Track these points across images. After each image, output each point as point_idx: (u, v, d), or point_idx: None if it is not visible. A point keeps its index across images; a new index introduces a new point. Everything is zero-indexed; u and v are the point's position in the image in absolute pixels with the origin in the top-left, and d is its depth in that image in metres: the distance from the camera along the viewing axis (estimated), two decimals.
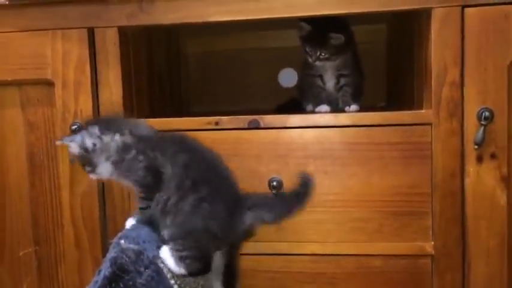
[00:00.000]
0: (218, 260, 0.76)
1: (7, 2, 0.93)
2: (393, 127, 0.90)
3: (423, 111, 0.90)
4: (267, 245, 0.93)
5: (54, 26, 0.94)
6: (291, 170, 0.92)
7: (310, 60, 1.04)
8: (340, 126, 0.91)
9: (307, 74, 1.09)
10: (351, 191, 0.91)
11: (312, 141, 0.92)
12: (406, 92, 1.10)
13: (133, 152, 0.74)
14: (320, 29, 1.00)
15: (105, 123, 0.77)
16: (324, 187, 0.91)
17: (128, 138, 0.75)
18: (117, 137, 0.75)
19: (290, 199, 0.77)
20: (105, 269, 0.65)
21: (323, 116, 0.94)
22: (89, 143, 0.74)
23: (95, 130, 0.75)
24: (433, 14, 0.87)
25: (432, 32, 0.87)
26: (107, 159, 0.74)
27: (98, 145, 0.74)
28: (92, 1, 0.92)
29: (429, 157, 0.89)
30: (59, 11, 0.94)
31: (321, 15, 0.90)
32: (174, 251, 0.71)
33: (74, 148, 0.75)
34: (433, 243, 0.89)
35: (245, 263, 0.92)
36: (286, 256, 0.93)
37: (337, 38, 1.00)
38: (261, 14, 0.91)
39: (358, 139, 0.91)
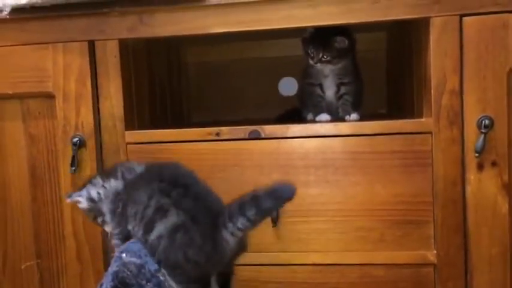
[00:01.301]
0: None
1: (8, 16, 0.94)
2: (394, 136, 0.90)
3: (423, 119, 0.91)
4: (268, 255, 0.93)
5: (55, 39, 0.94)
6: (292, 180, 0.92)
7: (311, 62, 1.04)
8: (341, 135, 0.92)
9: (307, 83, 1.09)
10: (353, 200, 0.91)
11: (313, 151, 0.92)
12: (406, 100, 1.10)
13: (120, 204, 0.75)
14: (324, 31, 1.01)
15: (105, 172, 0.79)
16: (326, 196, 0.91)
17: (120, 184, 0.76)
18: (113, 182, 0.77)
19: (263, 201, 0.69)
20: (107, 282, 0.65)
21: (324, 125, 0.94)
22: (94, 193, 0.76)
23: (98, 180, 0.77)
24: (431, 23, 0.87)
25: (431, 40, 0.87)
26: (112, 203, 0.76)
27: (103, 193, 0.76)
28: (93, 14, 0.93)
29: (430, 165, 0.89)
30: (59, 25, 0.94)
31: (320, 25, 0.91)
32: (163, 276, 0.69)
33: (83, 202, 0.77)
34: (435, 251, 0.89)
35: (247, 274, 0.93)
36: (288, 266, 0.93)
37: (341, 41, 1.01)
38: (260, 26, 0.91)
39: (359, 148, 0.91)
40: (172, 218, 0.69)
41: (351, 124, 0.93)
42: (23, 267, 0.99)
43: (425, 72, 0.91)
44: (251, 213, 0.68)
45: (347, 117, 1.04)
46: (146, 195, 0.71)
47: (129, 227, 0.73)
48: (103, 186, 0.77)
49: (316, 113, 1.07)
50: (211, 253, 0.68)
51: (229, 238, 0.69)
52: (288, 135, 0.93)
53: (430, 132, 0.88)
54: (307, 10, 0.90)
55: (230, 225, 0.68)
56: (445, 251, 0.89)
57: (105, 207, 0.76)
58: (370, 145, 0.90)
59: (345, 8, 0.89)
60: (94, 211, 0.77)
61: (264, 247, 0.93)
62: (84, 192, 0.77)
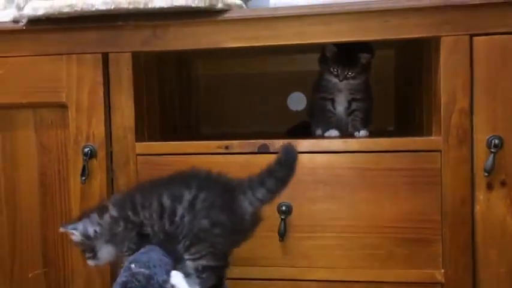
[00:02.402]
0: None
1: (24, 27, 0.96)
2: (402, 153, 0.90)
3: (433, 137, 0.91)
4: (275, 269, 0.93)
5: (69, 51, 0.96)
6: (300, 195, 0.92)
7: (335, 80, 1.05)
8: (350, 151, 0.92)
9: (320, 97, 1.10)
10: (361, 216, 0.91)
11: (322, 166, 0.92)
12: (414, 117, 1.10)
13: (122, 223, 0.77)
14: (348, 48, 1.03)
15: (99, 208, 0.81)
16: (334, 212, 0.91)
17: (113, 211, 0.78)
18: (107, 215, 0.78)
19: (276, 170, 0.76)
20: None
21: (332, 141, 0.94)
22: (90, 230, 0.78)
23: (95, 216, 0.79)
24: (442, 42, 0.88)
25: (441, 59, 0.88)
26: (107, 241, 0.78)
27: (99, 231, 0.78)
28: (107, 27, 0.95)
29: (439, 184, 0.89)
30: (74, 36, 0.96)
31: (330, 42, 0.92)
32: (192, 261, 0.73)
33: (76, 236, 0.78)
34: (443, 270, 0.88)
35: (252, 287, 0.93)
36: (295, 282, 0.93)
37: (366, 58, 1.04)
38: (272, 41, 0.92)
39: (368, 165, 0.91)
40: (187, 197, 0.74)
41: (360, 140, 0.94)
42: (30, 275, 1.00)
43: (435, 90, 0.91)
44: (270, 183, 0.75)
45: (356, 133, 1.05)
46: (155, 197, 0.76)
47: (148, 230, 0.76)
48: (99, 223, 0.78)
49: (326, 129, 1.07)
50: (232, 215, 0.74)
51: (247, 206, 0.75)
52: (297, 150, 0.93)
53: (439, 151, 0.88)
54: (319, 27, 0.91)
55: (249, 193, 0.75)
56: (453, 270, 0.88)
57: (102, 244, 0.78)
58: (379, 162, 0.91)
59: (356, 26, 0.90)
60: (85, 246, 0.79)
61: (271, 261, 0.93)
62: (80, 226, 0.78)
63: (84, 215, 0.80)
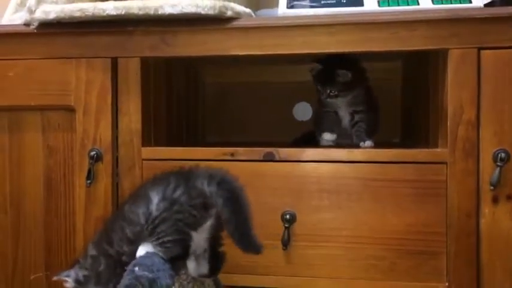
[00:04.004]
0: (201, 244, 0.78)
1: (35, 30, 0.97)
2: (408, 164, 0.90)
3: (439, 149, 0.91)
4: (277, 278, 0.92)
5: (79, 55, 0.97)
6: (304, 203, 0.92)
7: (321, 97, 1.06)
8: (355, 161, 0.92)
9: (324, 111, 1.11)
10: (365, 227, 0.90)
11: (327, 176, 0.92)
12: (420, 129, 1.10)
13: (102, 260, 0.80)
14: (329, 67, 1.03)
15: (84, 251, 0.84)
16: (338, 222, 0.91)
17: (92, 250, 0.82)
18: (88, 257, 0.82)
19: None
20: None
21: (338, 151, 0.94)
22: (80, 275, 0.81)
23: (82, 261, 0.82)
24: (449, 54, 0.88)
25: (449, 72, 0.88)
26: (96, 284, 0.81)
27: (87, 274, 0.81)
28: (117, 32, 0.96)
29: (444, 196, 0.88)
30: (84, 41, 0.97)
31: (338, 52, 0.92)
32: (156, 240, 0.74)
33: (69, 283, 0.82)
34: (447, 284, 0.88)
35: None
36: None
37: (343, 75, 1.02)
38: (279, 50, 0.93)
39: (373, 175, 0.91)
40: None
41: (365, 151, 0.94)
42: (31, 278, 1.00)
43: (441, 102, 0.92)
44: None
45: (361, 143, 1.05)
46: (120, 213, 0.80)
47: (125, 258, 0.77)
48: (85, 267, 0.81)
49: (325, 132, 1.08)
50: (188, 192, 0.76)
51: (207, 189, 0.77)
52: (303, 159, 0.93)
53: (445, 163, 0.88)
54: (326, 37, 0.91)
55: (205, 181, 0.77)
56: (457, 283, 0.87)
57: (91, 287, 0.81)
58: (384, 173, 0.90)
59: (364, 37, 0.90)
60: None
61: (273, 270, 0.92)
62: (72, 273, 0.82)
63: (76, 262, 0.84)
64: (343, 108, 1.08)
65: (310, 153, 0.94)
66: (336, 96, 1.04)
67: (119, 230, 0.78)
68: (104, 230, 0.83)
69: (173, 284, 0.68)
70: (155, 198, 0.76)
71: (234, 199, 0.76)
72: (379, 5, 0.94)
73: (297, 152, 0.94)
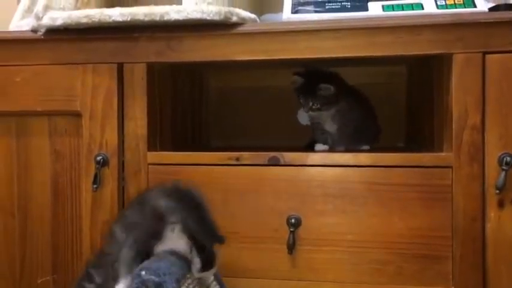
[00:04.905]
0: (183, 246, 0.80)
1: (42, 37, 0.98)
2: (413, 168, 0.90)
3: (444, 153, 0.91)
4: (282, 282, 0.93)
5: (85, 60, 0.98)
6: (309, 207, 0.92)
7: (304, 110, 1.06)
8: (360, 165, 0.92)
9: (311, 122, 1.11)
10: (370, 231, 0.90)
11: (332, 180, 0.93)
12: (425, 133, 1.10)
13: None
14: (311, 81, 1.04)
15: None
16: (343, 226, 0.91)
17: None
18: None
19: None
20: None
21: (342, 155, 0.95)
22: None
23: None
24: (454, 59, 0.88)
25: (453, 76, 0.88)
26: None
27: None
28: (123, 38, 0.96)
29: (449, 200, 0.88)
30: (91, 46, 0.98)
31: (343, 57, 0.93)
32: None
33: None
34: None
35: None
36: None
37: (325, 89, 1.02)
38: (283, 55, 0.93)
39: (378, 179, 0.91)
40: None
41: (370, 155, 0.94)
42: (39, 281, 1.00)
43: (446, 107, 0.92)
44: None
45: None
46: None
47: None
48: None
49: (317, 142, 1.09)
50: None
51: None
52: (307, 163, 0.94)
53: (451, 167, 0.88)
54: (331, 42, 0.92)
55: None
56: (463, 287, 0.87)
57: None
58: (389, 177, 0.91)
59: (368, 41, 0.91)
60: None
61: (278, 274, 0.93)
62: None
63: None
64: (328, 122, 1.08)
65: (314, 157, 0.94)
66: (319, 109, 1.05)
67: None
68: (86, 268, 0.86)
69: None
70: (117, 231, 0.80)
71: (193, 207, 0.79)
72: (383, 10, 0.94)
73: (301, 156, 0.94)
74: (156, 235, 0.77)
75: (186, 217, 0.78)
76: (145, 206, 0.80)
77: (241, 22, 0.94)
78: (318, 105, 1.04)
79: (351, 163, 0.92)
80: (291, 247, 0.91)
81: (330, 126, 1.07)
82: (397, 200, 0.90)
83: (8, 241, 1.02)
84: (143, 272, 0.67)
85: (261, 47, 0.94)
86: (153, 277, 0.66)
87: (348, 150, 1.06)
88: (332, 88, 1.02)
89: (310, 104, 1.04)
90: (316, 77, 1.04)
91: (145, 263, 0.70)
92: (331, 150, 1.07)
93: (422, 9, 0.93)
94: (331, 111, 1.05)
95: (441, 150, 0.94)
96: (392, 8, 0.94)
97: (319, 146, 1.08)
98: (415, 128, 1.24)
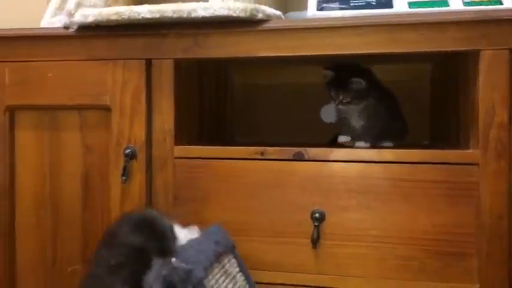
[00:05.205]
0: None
1: (74, 33, 1.01)
2: (439, 165, 0.90)
3: (470, 150, 0.90)
4: (306, 276, 0.93)
5: (115, 56, 1.00)
6: (333, 202, 0.93)
7: (334, 104, 1.07)
8: (384, 161, 0.92)
9: (339, 117, 1.12)
10: (394, 227, 0.91)
11: (356, 176, 0.93)
12: (450, 131, 1.10)
13: None
14: (342, 75, 1.04)
15: None
16: (367, 222, 0.92)
17: None
18: None
19: None
20: (156, 285, 0.67)
21: (367, 151, 0.95)
22: None
23: None
24: (481, 56, 0.88)
25: (480, 73, 0.88)
26: None
27: None
28: (152, 35, 0.99)
29: (475, 197, 0.88)
30: (121, 43, 1.00)
31: (365, 54, 0.93)
32: None
33: None
34: (478, 285, 0.87)
35: None
36: None
37: (357, 82, 1.02)
38: (309, 51, 0.94)
39: (403, 176, 0.91)
40: None
41: (394, 151, 0.94)
42: (69, 270, 1.03)
43: (472, 104, 0.91)
44: None
45: (357, 143, 1.05)
46: None
47: None
48: None
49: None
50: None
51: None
52: (331, 159, 0.94)
53: (477, 164, 0.88)
54: (354, 38, 0.92)
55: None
56: (489, 285, 0.87)
57: None
58: (414, 173, 0.91)
59: (391, 38, 0.91)
60: None
61: (302, 268, 0.94)
62: None
63: None
64: (354, 117, 1.08)
65: (338, 153, 0.95)
66: (349, 103, 1.05)
67: None
68: None
69: (207, 277, 0.70)
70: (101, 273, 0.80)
71: (159, 237, 0.79)
72: (409, 7, 0.94)
73: (325, 152, 0.95)
74: (144, 271, 0.76)
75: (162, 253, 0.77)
76: (122, 246, 0.80)
77: (267, 19, 0.96)
78: (348, 99, 1.04)
79: (376, 159, 0.93)
80: (315, 241, 0.92)
81: (356, 122, 1.08)
82: (422, 197, 0.90)
83: (40, 231, 1.05)
84: (174, 259, 0.69)
85: (286, 43, 0.95)
86: (183, 264, 0.68)
87: (372, 146, 1.06)
88: (363, 82, 1.03)
89: (341, 97, 1.04)
90: (347, 71, 1.03)
91: (178, 250, 0.72)
92: (354, 140, 1.07)
93: (448, 6, 0.93)
94: (360, 105, 1.05)
95: (467, 148, 0.93)
96: (418, 4, 0.94)
97: (342, 138, 1.08)
98: (440, 125, 1.23)
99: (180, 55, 0.99)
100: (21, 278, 1.06)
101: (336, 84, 1.05)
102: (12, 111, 1.06)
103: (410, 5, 0.95)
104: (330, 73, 1.06)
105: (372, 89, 1.05)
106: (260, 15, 0.95)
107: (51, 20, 1.10)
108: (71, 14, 1.01)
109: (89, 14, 0.98)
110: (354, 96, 1.04)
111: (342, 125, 1.11)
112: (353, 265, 0.92)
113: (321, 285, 0.93)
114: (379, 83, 1.10)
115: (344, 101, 1.04)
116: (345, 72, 1.03)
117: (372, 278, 0.91)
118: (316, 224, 0.92)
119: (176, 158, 0.99)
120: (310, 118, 1.38)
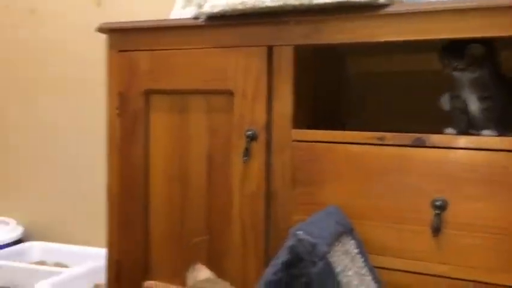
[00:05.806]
0: None
1: (203, 23, 1.09)
2: None
3: None
4: (426, 264, 0.92)
5: (239, 44, 1.06)
6: (456, 191, 0.90)
7: (447, 70, 1.01)
8: (510, 150, 0.87)
9: (452, 96, 1.05)
10: None
11: (480, 164, 0.89)
12: None
13: None
14: (460, 41, 0.97)
15: None
16: (492, 212, 0.87)
17: None
18: None
19: None
20: (283, 255, 0.71)
21: (493, 138, 0.90)
22: None
23: None
24: None
25: None
26: None
27: None
28: (273, 22, 1.03)
29: None
30: (243, 31, 1.06)
31: (491, 37, 0.88)
32: None
33: None
34: None
35: (401, 279, 0.93)
36: (447, 279, 0.90)
37: (476, 48, 0.95)
38: (433, 35, 0.92)
39: None
40: None
41: None
42: (195, 240, 1.12)
43: None
44: None
45: (482, 131, 0.98)
46: None
47: None
48: None
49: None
50: None
51: None
52: (453, 146, 0.91)
53: None
54: (478, 20, 0.88)
55: None
56: None
57: None
58: None
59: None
60: None
61: (422, 256, 0.92)
62: None
63: None
64: (467, 90, 1.01)
65: (462, 140, 0.91)
66: (463, 70, 0.98)
67: None
68: None
69: (329, 252, 0.72)
70: None
71: None
72: None
73: (448, 139, 0.92)
74: None
75: None
76: None
77: (389, 3, 0.95)
78: (463, 65, 0.98)
79: (500, 147, 0.88)
80: (437, 230, 0.89)
81: (470, 98, 1.01)
82: None
83: (171, 205, 1.16)
84: (300, 232, 0.72)
85: (410, 27, 0.93)
86: (308, 237, 0.71)
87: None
88: (482, 48, 0.96)
89: (455, 64, 0.99)
90: (466, 40, 0.97)
91: (302, 225, 0.75)
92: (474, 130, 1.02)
93: None
94: (475, 74, 0.99)
95: None
96: None
97: (448, 130, 1.03)
98: None
99: (300, 41, 1.02)
100: (156, 244, 1.17)
101: (452, 49, 0.99)
102: (147, 95, 1.17)
103: None
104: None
105: (490, 59, 0.99)
106: (382, 0, 0.95)
107: (182, 12, 1.20)
108: (200, 6, 1.09)
109: (217, 4, 1.05)
110: (469, 62, 0.97)
111: (454, 109, 1.05)
112: (476, 256, 0.88)
113: (442, 274, 0.90)
114: (500, 65, 1.03)
115: (459, 67, 0.99)
116: (463, 41, 0.98)
117: (495, 270, 0.87)
118: (437, 212, 0.90)
119: (294, 141, 1.03)
120: (428, 107, 1.33)
